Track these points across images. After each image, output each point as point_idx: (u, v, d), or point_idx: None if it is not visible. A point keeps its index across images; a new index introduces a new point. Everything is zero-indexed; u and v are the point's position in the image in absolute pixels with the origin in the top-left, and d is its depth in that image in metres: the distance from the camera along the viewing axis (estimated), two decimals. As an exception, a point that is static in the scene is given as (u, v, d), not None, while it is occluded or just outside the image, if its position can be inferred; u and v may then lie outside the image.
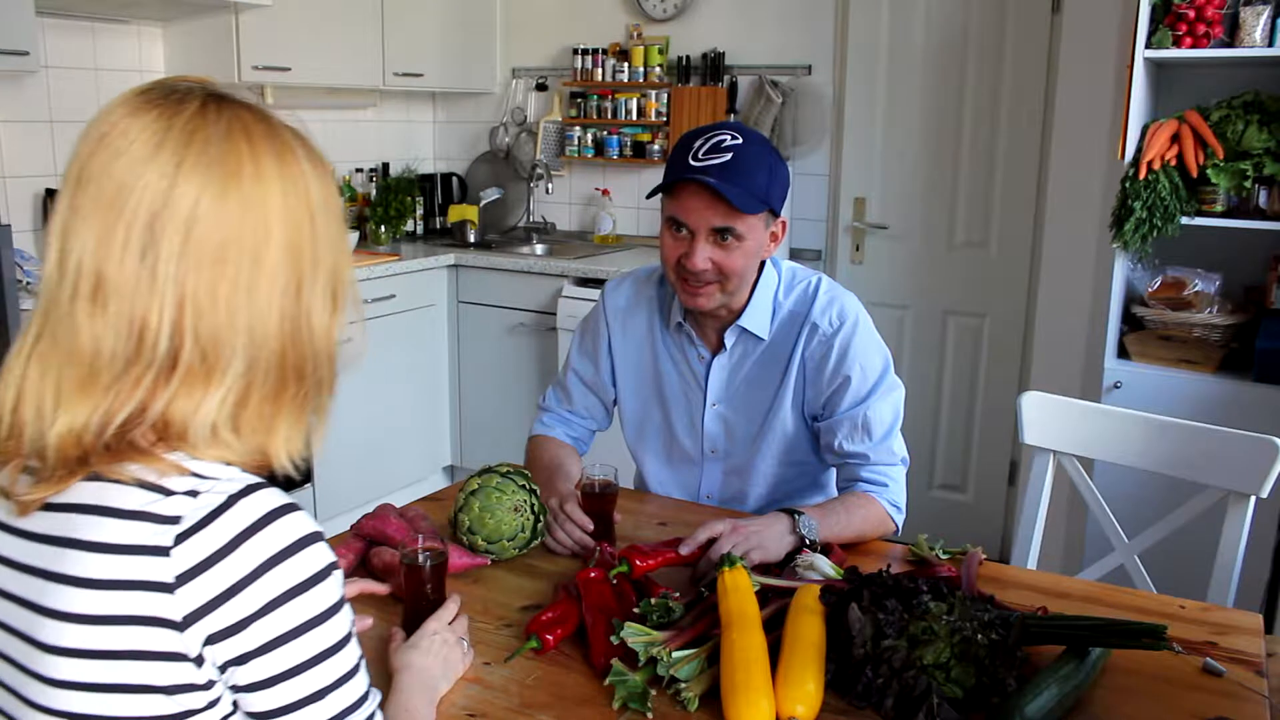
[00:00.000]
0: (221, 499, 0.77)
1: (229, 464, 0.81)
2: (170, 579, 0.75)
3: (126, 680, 0.76)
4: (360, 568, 1.47)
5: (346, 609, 0.82)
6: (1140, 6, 2.51)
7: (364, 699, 0.84)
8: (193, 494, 0.77)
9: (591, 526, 1.50)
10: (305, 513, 0.81)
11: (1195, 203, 2.54)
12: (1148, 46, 2.53)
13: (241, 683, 0.78)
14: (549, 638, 1.23)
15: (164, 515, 0.76)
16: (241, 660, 0.77)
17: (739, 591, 1.22)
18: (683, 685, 1.13)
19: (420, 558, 1.27)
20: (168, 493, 0.77)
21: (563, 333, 3.55)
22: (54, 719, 0.78)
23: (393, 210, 4.03)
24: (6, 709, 0.82)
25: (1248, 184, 2.48)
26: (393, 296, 3.57)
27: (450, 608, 1.26)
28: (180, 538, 0.75)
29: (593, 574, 1.31)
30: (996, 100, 3.33)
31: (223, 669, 0.78)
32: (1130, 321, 2.75)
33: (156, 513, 0.76)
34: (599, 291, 3.44)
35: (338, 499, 3.44)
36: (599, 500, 1.52)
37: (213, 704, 0.79)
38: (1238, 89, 2.58)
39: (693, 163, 1.51)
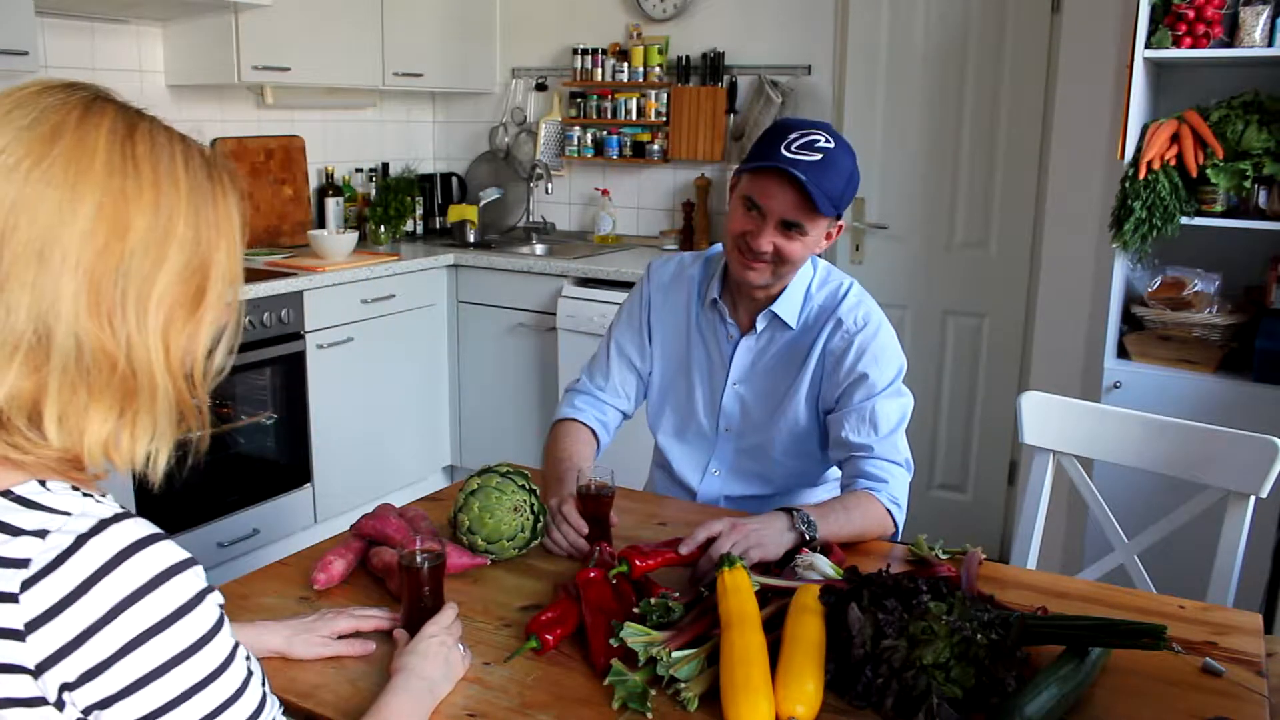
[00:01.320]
0: (70, 539, 0.73)
1: (68, 476, 0.77)
2: (20, 626, 0.72)
3: None
4: (360, 568, 1.47)
5: (223, 633, 0.78)
6: (1140, 6, 2.51)
7: (254, 718, 0.81)
8: (41, 534, 0.73)
9: (586, 530, 1.50)
10: (168, 543, 0.76)
11: (1195, 203, 2.54)
12: (1147, 46, 2.53)
13: None
14: (549, 638, 1.23)
15: (11, 559, 0.73)
16: (105, 704, 0.73)
17: (739, 591, 1.22)
18: (682, 685, 1.13)
19: (418, 559, 1.27)
20: (16, 532, 0.74)
21: (563, 333, 3.55)
22: None
23: (392, 210, 4.03)
24: None
25: (1247, 184, 2.48)
26: (392, 296, 3.57)
27: (448, 613, 1.25)
28: (27, 583, 0.72)
29: (592, 574, 1.31)
30: (996, 100, 3.33)
31: (88, 711, 0.74)
32: (1130, 321, 2.75)
33: (3, 556, 0.73)
34: (599, 291, 3.47)
35: (338, 499, 3.44)
36: (594, 502, 1.52)
37: None
38: (1237, 89, 2.58)
39: (785, 153, 1.55)
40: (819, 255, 1.76)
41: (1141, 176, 2.51)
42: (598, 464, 1.57)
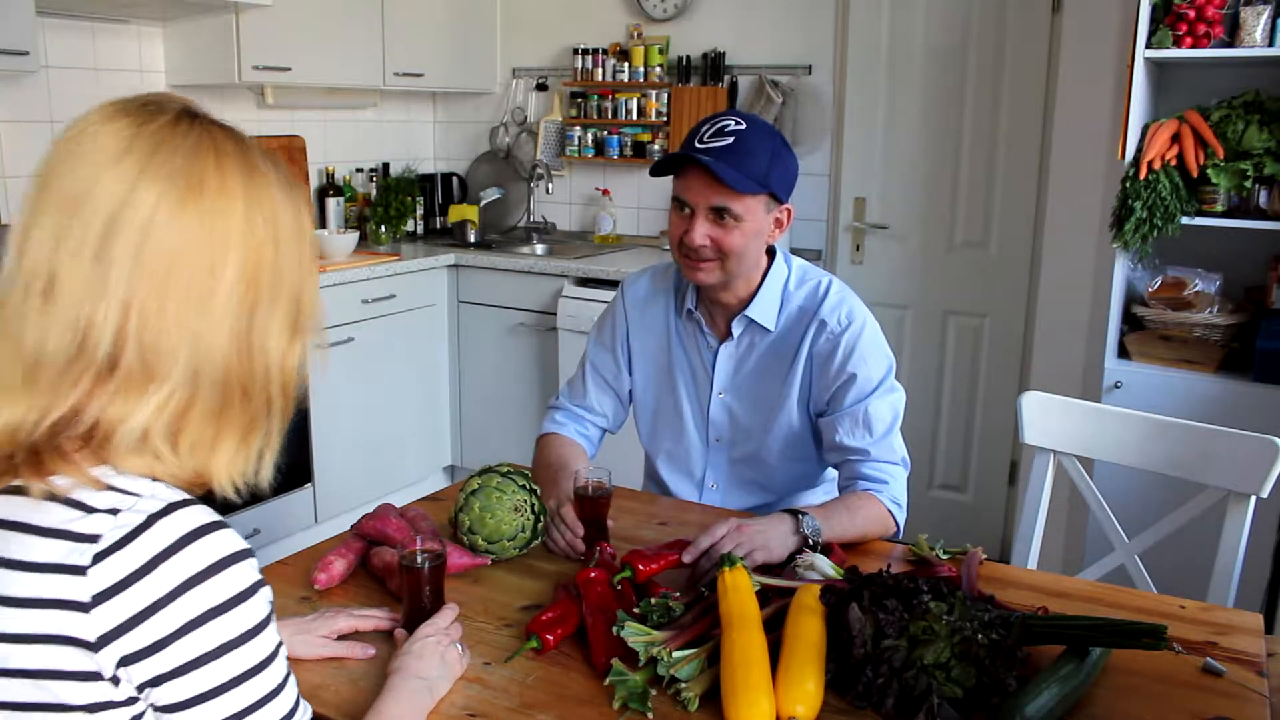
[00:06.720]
0: (141, 518, 0.76)
1: (155, 478, 0.80)
2: (86, 598, 0.74)
3: (44, 699, 0.76)
4: (361, 568, 1.47)
5: (271, 628, 0.82)
6: (1140, 6, 2.51)
7: (290, 715, 0.83)
8: (113, 511, 0.77)
9: (582, 531, 1.50)
10: (231, 531, 0.80)
11: (1195, 203, 2.54)
12: (1148, 46, 2.53)
13: (160, 703, 0.78)
14: (549, 638, 1.23)
15: (83, 534, 0.76)
16: (157, 681, 0.76)
17: (739, 591, 1.22)
18: (683, 685, 1.13)
19: (419, 559, 1.27)
20: (89, 510, 0.77)
21: (563, 332, 3.55)
22: None
23: (393, 210, 4.03)
24: None
25: (1248, 184, 2.48)
26: (393, 296, 3.57)
27: (447, 614, 1.26)
28: (98, 557, 0.75)
29: (593, 574, 1.31)
30: (996, 100, 3.33)
31: (141, 689, 0.77)
32: (1130, 321, 2.75)
33: (76, 531, 0.76)
34: (599, 291, 3.47)
35: (338, 499, 3.44)
36: (592, 503, 1.52)
37: (136, 719, 0.79)
38: (1238, 89, 2.58)
39: (696, 145, 1.58)
40: (793, 255, 1.77)
41: (1142, 176, 2.51)
42: (595, 465, 1.57)
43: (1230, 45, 2.50)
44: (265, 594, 0.81)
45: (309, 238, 0.88)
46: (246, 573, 0.79)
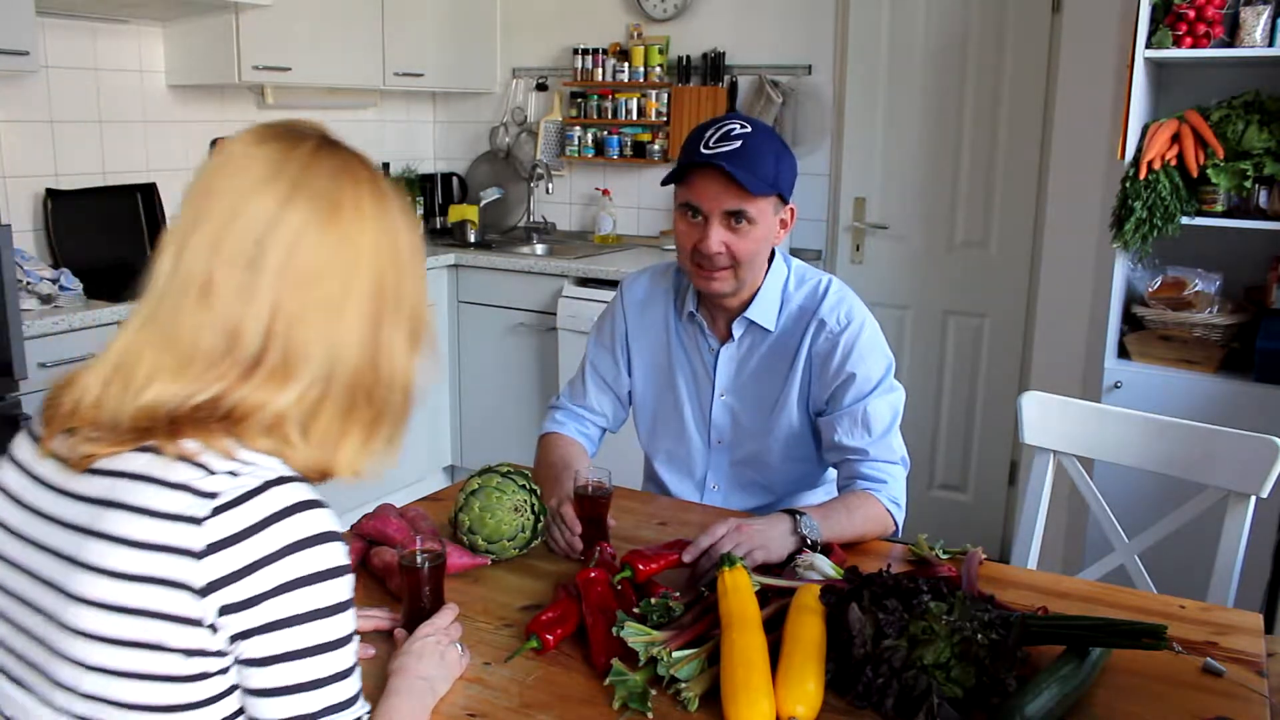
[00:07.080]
0: (258, 482, 0.84)
1: (275, 456, 0.87)
2: (200, 547, 0.81)
3: (146, 638, 0.82)
4: (361, 568, 1.47)
5: (351, 613, 0.87)
6: (1140, 6, 2.51)
7: (353, 700, 0.88)
8: (233, 474, 0.84)
9: (580, 529, 1.50)
10: (332, 513, 0.87)
11: (1195, 203, 2.54)
12: (1148, 46, 2.53)
13: (244, 657, 0.84)
14: (549, 638, 1.23)
15: (204, 490, 0.83)
16: (247, 634, 0.83)
17: (739, 591, 1.22)
18: (683, 685, 1.13)
19: (418, 559, 1.27)
20: (211, 471, 0.84)
21: (563, 332, 3.55)
22: (78, 670, 0.84)
23: (393, 210, 4.03)
24: (36, 660, 0.88)
25: (1248, 184, 2.48)
26: (393, 296, 3.56)
27: (446, 614, 1.26)
28: (216, 510, 0.82)
29: (593, 574, 1.31)
30: (996, 100, 3.33)
31: (233, 640, 0.84)
32: (1130, 321, 2.75)
33: (197, 487, 0.83)
34: (599, 291, 3.47)
35: (338, 499, 3.39)
36: (591, 503, 1.52)
37: (225, 670, 0.85)
38: (1238, 89, 2.58)
39: (704, 150, 1.58)
40: (792, 256, 1.77)
41: (1142, 176, 2.52)
42: (595, 465, 1.57)
43: (1230, 45, 2.50)
44: (351, 579, 0.87)
45: (422, 260, 0.98)
46: (340, 553, 0.87)
